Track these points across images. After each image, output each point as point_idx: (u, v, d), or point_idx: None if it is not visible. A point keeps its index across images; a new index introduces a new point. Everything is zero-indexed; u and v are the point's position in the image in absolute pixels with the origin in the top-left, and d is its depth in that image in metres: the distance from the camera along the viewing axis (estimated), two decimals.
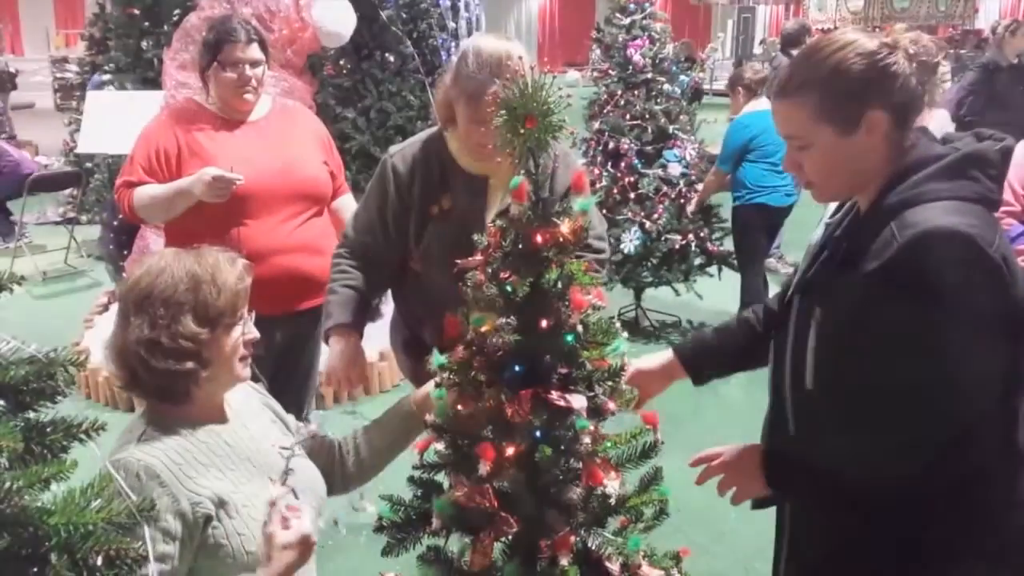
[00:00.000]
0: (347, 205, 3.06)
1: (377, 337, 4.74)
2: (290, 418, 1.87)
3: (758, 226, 5.11)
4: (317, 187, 2.85)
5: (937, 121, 5.09)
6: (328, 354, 2.29)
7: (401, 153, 2.32)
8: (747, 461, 1.56)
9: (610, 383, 1.46)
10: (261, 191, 2.69)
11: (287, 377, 2.95)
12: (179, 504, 1.45)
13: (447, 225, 2.23)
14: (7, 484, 0.98)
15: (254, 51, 2.73)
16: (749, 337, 1.81)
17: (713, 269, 5.46)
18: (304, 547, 1.48)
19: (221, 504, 1.51)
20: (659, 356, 1.86)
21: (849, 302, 1.42)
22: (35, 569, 0.97)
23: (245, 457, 1.62)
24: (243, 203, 2.66)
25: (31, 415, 1.07)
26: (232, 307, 1.54)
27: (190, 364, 1.50)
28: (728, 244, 5.41)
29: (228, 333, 1.55)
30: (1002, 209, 3.09)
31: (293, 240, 2.75)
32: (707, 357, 1.84)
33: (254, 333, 1.62)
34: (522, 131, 1.33)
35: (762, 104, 4.93)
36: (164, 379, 1.50)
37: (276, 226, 2.72)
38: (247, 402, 1.73)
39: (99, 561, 0.99)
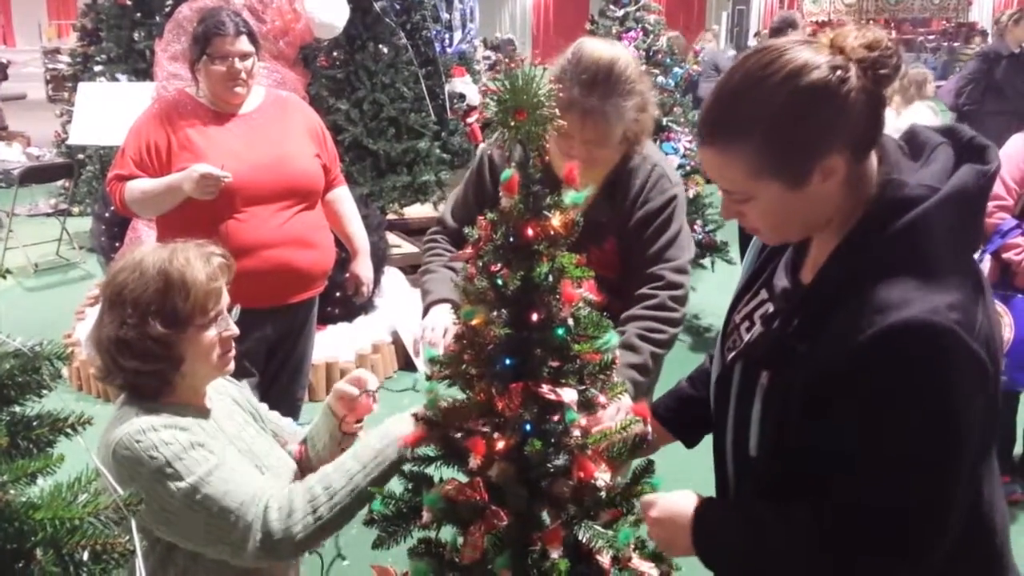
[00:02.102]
0: (342, 197, 3.05)
1: (371, 329, 4.77)
2: (263, 406, 1.88)
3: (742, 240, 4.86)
4: (308, 181, 2.83)
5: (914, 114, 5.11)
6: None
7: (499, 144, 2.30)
8: (677, 522, 1.35)
9: (601, 377, 1.46)
10: (250, 185, 2.68)
11: (278, 369, 2.95)
12: (199, 437, 1.51)
13: None
14: None
15: (243, 44, 2.71)
16: None
17: (707, 261, 5.46)
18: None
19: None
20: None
21: (802, 377, 1.20)
22: (20, 564, 0.96)
23: (228, 443, 1.64)
24: (232, 197, 2.66)
25: (16, 409, 1.07)
26: (202, 308, 1.54)
27: (158, 365, 1.52)
28: (721, 235, 5.42)
29: (201, 332, 1.55)
30: (994, 203, 3.11)
31: (283, 234, 2.74)
32: (694, 420, 1.62)
33: (232, 330, 1.62)
34: (512, 124, 1.32)
35: None
36: (134, 377, 1.53)
37: (266, 220, 2.72)
38: (219, 401, 1.74)
39: (85, 556, 0.98)
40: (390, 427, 1.59)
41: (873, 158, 1.22)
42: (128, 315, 1.50)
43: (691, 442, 1.66)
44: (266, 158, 2.74)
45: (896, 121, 5.82)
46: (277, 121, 2.84)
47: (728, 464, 1.40)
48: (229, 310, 1.63)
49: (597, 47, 2.06)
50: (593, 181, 2.09)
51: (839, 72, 1.13)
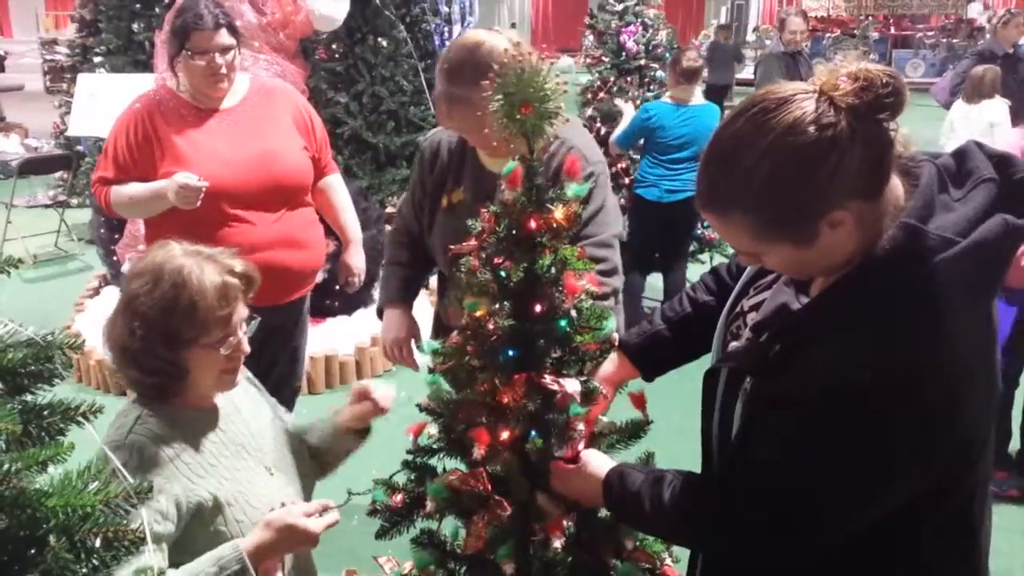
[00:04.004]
0: (334, 186, 2.97)
1: (368, 322, 4.77)
2: (272, 401, 1.88)
3: (640, 218, 4.79)
4: (295, 179, 2.76)
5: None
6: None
7: (432, 138, 2.30)
8: (592, 479, 1.39)
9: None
10: (236, 187, 2.62)
11: (269, 366, 2.90)
12: (172, 488, 1.46)
13: (453, 219, 2.16)
14: (5, 466, 0.98)
15: (223, 37, 2.61)
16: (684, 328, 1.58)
17: (704, 256, 5.48)
18: (288, 534, 1.50)
19: (215, 496, 1.52)
20: (610, 363, 1.58)
21: (774, 389, 1.21)
22: (34, 551, 0.98)
23: (239, 444, 1.63)
24: (219, 199, 2.59)
25: (28, 398, 1.08)
26: (209, 331, 1.51)
27: (161, 378, 1.51)
28: None
29: (207, 351, 1.52)
30: None
31: (271, 234, 2.67)
32: (658, 361, 1.61)
33: (243, 350, 1.58)
34: (519, 117, 1.33)
35: (679, 94, 4.65)
36: (137, 383, 1.54)
37: (254, 222, 2.65)
38: (234, 392, 1.72)
39: (97, 543, 0.99)
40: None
41: (898, 187, 1.16)
42: (136, 326, 1.48)
43: (650, 377, 1.63)
44: (251, 159, 2.66)
45: (972, 111, 5.84)
46: (262, 115, 2.75)
47: (714, 455, 1.40)
48: (248, 321, 1.60)
49: (470, 34, 2.04)
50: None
51: (828, 131, 1.08)
